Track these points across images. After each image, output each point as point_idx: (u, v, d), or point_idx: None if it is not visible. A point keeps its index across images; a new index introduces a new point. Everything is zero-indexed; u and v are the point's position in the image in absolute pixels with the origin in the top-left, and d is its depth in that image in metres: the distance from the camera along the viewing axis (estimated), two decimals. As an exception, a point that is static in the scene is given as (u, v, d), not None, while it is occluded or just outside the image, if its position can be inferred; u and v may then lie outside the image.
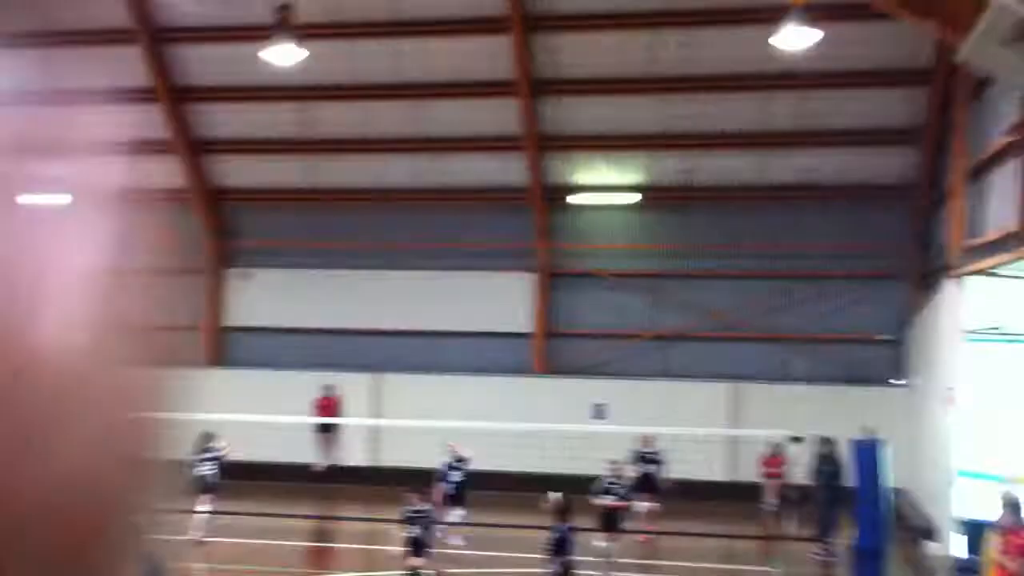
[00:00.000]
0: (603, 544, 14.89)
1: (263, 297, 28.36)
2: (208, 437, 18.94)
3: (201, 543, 18.21)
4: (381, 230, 27.69)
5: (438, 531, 15.34)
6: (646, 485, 18.69)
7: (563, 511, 12.44)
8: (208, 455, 18.69)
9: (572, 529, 12.30)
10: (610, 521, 14.96)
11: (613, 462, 15.33)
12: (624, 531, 15.27)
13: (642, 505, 18.57)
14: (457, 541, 17.89)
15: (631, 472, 18.66)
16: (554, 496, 12.64)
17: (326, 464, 26.31)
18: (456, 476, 17.98)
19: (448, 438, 19.70)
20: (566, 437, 22.08)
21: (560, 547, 12.15)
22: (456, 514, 17.89)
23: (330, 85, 25.70)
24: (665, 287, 26.60)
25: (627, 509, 15.65)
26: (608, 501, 14.90)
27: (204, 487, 18.38)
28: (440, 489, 17.96)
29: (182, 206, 28.04)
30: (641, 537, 18.41)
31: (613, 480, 15.02)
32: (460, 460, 18.09)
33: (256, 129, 27.03)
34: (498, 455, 22.09)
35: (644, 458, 18.80)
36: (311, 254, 28.04)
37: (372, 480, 24.88)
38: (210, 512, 18.29)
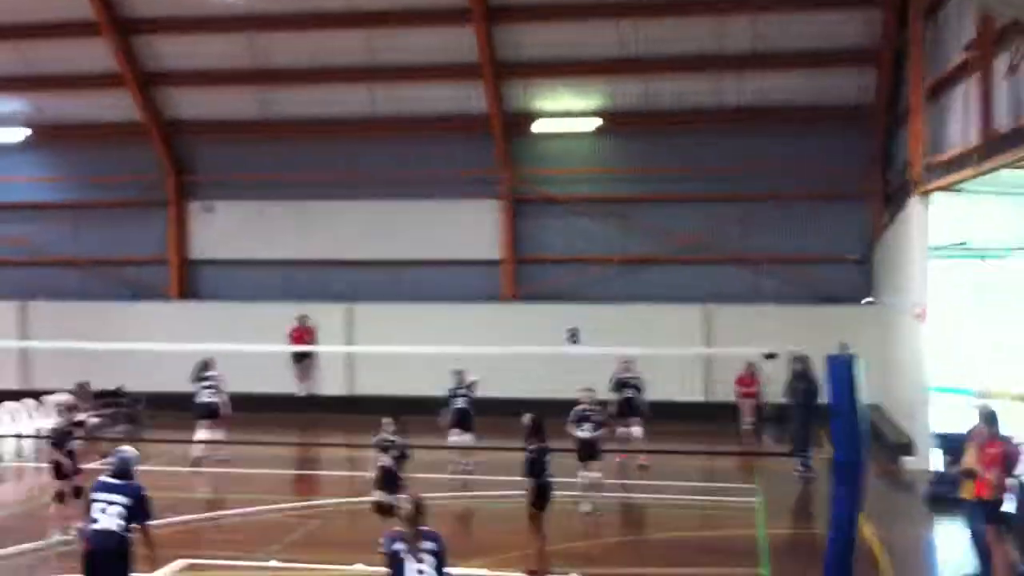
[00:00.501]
0: (586, 474, 14.91)
1: (228, 230, 28.16)
2: (206, 365, 19.34)
3: (198, 464, 18.70)
4: (343, 160, 27.50)
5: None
6: (628, 410, 18.80)
7: (535, 431, 12.49)
8: (207, 382, 19.19)
9: (545, 449, 12.34)
10: (588, 451, 14.90)
11: (587, 389, 15.24)
12: (602, 458, 15.22)
13: (628, 430, 18.75)
14: (465, 466, 17.98)
15: (613, 397, 18.80)
16: (526, 417, 12.66)
17: (304, 394, 26.46)
18: (460, 402, 17.99)
19: (427, 364, 19.73)
20: (540, 360, 22.15)
21: (533, 467, 12.23)
22: (464, 439, 17.96)
23: (280, 14, 25.27)
24: (631, 212, 26.65)
25: (607, 437, 15.59)
26: (585, 432, 14.85)
27: (203, 412, 18.96)
28: (446, 414, 18.01)
29: (139, 140, 27.67)
30: (642, 459, 18.58)
31: (588, 409, 14.96)
32: (467, 386, 18.10)
33: (208, 60, 26.64)
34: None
35: (624, 383, 18.84)
36: (274, 186, 27.82)
37: (348, 409, 24.97)
38: (208, 439, 18.90)
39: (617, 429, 18.59)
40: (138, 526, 9.37)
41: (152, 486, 16.58)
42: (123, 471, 9.53)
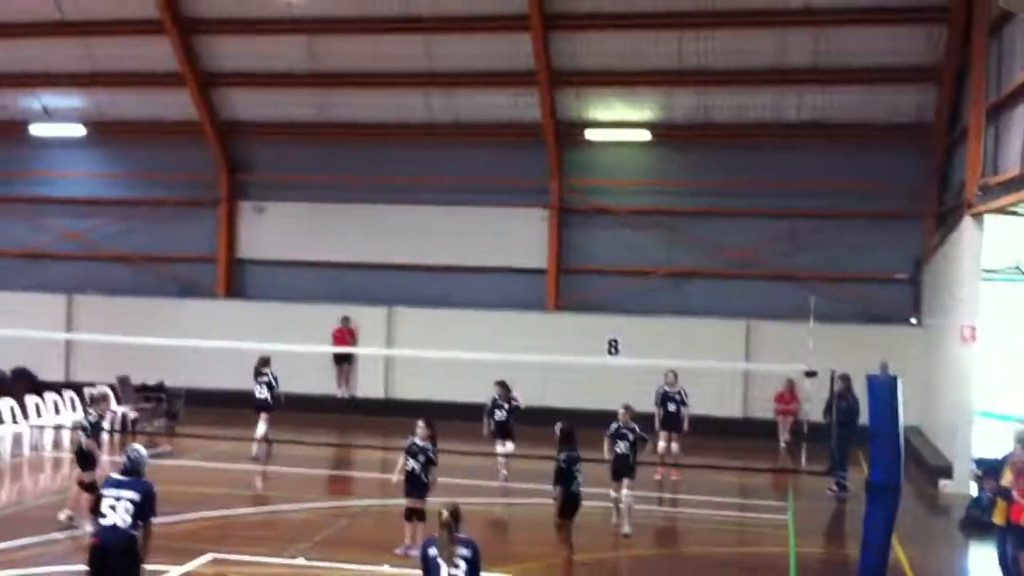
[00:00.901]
0: (614, 493, 14.63)
1: (277, 230, 28.35)
2: (264, 362, 19.87)
3: (256, 460, 19.22)
4: (395, 165, 27.57)
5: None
6: (671, 424, 18.62)
7: (566, 440, 12.38)
8: (261, 378, 19.76)
9: (575, 458, 12.22)
10: (622, 467, 14.52)
11: (626, 407, 14.87)
12: (635, 476, 14.85)
13: (668, 445, 18.55)
14: (503, 473, 17.90)
15: (656, 411, 18.61)
16: (557, 426, 12.59)
17: (345, 396, 26.58)
18: (500, 415, 17.94)
19: (466, 370, 19.71)
20: (580, 372, 22.08)
21: (563, 476, 12.12)
22: (507, 447, 17.93)
23: (339, 18, 25.47)
24: (679, 225, 26.45)
25: (642, 450, 15.21)
26: (620, 448, 14.54)
27: (259, 407, 19.69)
28: (488, 423, 17.98)
29: (195, 140, 28.01)
30: (674, 474, 18.40)
31: (624, 426, 14.64)
32: (509, 399, 18.04)
33: (266, 62, 26.85)
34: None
35: (669, 397, 18.67)
36: (324, 188, 27.96)
37: (385, 412, 25.03)
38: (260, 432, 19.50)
39: (659, 444, 18.41)
40: (142, 523, 9.41)
41: (184, 480, 16.86)
42: (133, 469, 9.59)
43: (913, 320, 24.89)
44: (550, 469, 12.68)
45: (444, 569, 8.23)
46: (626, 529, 14.36)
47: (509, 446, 17.93)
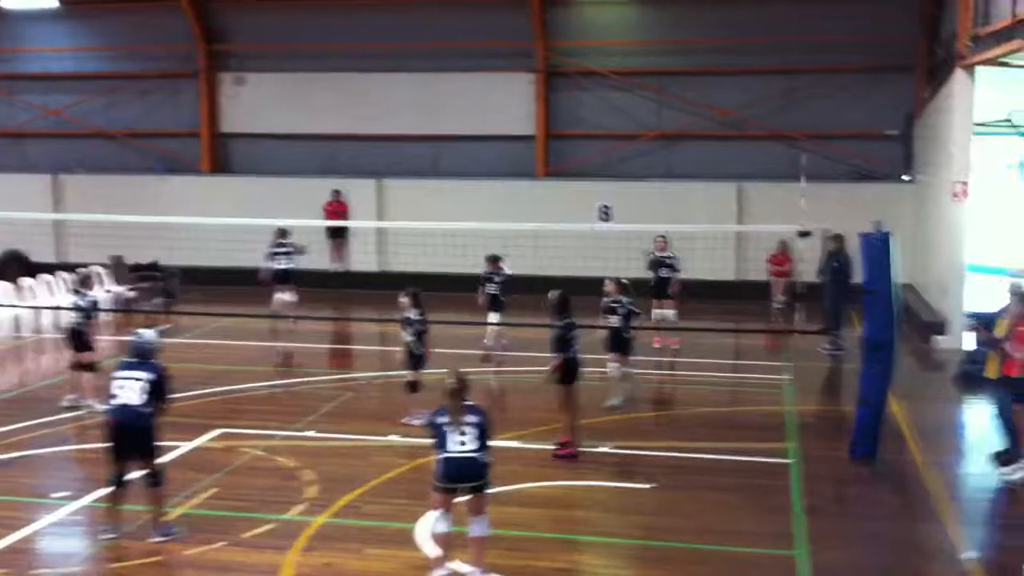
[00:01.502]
0: (615, 366, 14.60)
1: (259, 103, 27.92)
2: (282, 233, 20.36)
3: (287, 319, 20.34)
4: (378, 32, 26.97)
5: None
6: (663, 291, 18.59)
7: (561, 308, 12.39)
8: (280, 249, 20.50)
9: (572, 325, 12.29)
10: (617, 342, 14.46)
11: (614, 279, 14.58)
12: (633, 350, 14.85)
13: (662, 312, 18.60)
14: (496, 344, 18.04)
15: (648, 276, 18.57)
16: (552, 294, 12.56)
17: (339, 269, 26.59)
18: (493, 288, 17.97)
19: (463, 242, 19.70)
20: (572, 238, 22.06)
21: (561, 343, 12.20)
22: (495, 317, 18.06)
23: None
24: (669, 86, 26.13)
25: (632, 328, 15.03)
26: (614, 322, 14.36)
27: (278, 278, 20.47)
28: (481, 294, 18.00)
29: (171, 8, 27.29)
30: (673, 341, 18.52)
31: (614, 300, 14.45)
32: (500, 272, 18.04)
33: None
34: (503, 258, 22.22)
35: (660, 263, 18.54)
36: (306, 57, 27.42)
37: (380, 285, 25.09)
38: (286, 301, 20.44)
39: (652, 311, 18.46)
40: (160, 403, 9.53)
41: (187, 358, 16.98)
42: (144, 352, 9.66)
43: (905, 177, 24.86)
44: (541, 338, 12.79)
45: (454, 436, 8.41)
46: (613, 402, 14.39)
47: (495, 318, 17.98)
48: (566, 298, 12.39)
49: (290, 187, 26.56)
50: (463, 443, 8.40)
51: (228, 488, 10.94)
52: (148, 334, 9.87)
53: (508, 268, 18.18)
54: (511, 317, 17.76)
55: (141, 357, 9.65)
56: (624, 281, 14.69)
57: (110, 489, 9.50)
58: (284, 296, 20.47)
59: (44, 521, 9.99)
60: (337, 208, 26.09)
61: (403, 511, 10.18)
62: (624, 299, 14.40)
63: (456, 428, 8.42)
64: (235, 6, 27.63)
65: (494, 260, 18.07)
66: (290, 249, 20.58)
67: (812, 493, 10.96)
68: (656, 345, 18.32)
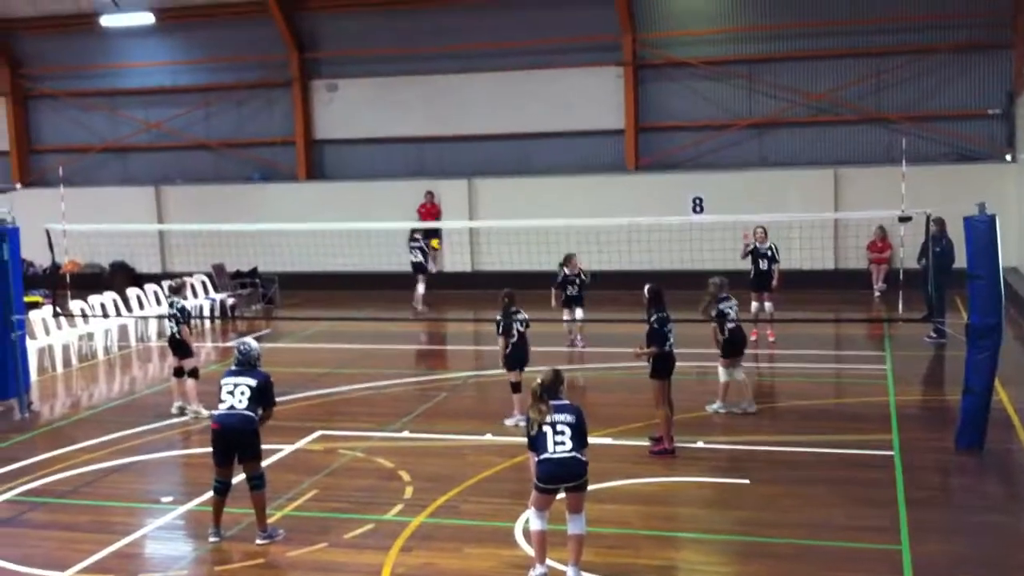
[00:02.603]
0: (733, 371, 13.79)
1: (351, 108, 28.33)
2: (413, 232, 23.21)
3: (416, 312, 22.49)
4: (464, 33, 27.18)
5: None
6: (762, 283, 18.27)
7: (654, 301, 12.21)
8: (413, 244, 23.16)
9: (666, 319, 12.11)
10: (735, 345, 13.68)
11: (715, 279, 13.75)
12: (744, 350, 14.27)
13: (761, 304, 18.32)
14: (578, 341, 18.27)
15: (747, 268, 18.27)
16: (646, 288, 12.40)
17: (433, 271, 26.81)
18: (573, 290, 18.06)
19: (552, 243, 19.71)
20: (664, 232, 21.86)
21: (655, 337, 12.04)
22: (576, 314, 18.13)
23: None
24: (759, 72, 25.79)
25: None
26: (730, 326, 13.60)
27: (415, 269, 23.18)
28: (559, 294, 18.15)
29: (263, 19, 27.82)
30: (770, 334, 18.21)
31: (728, 302, 13.54)
32: (577, 272, 18.12)
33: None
34: (595, 254, 22.13)
35: (758, 255, 18.21)
36: (395, 60, 27.73)
37: (471, 284, 25.27)
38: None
39: (751, 305, 18.18)
40: (264, 409, 9.79)
41: (286, 362, 17.31)
42: (247, 361, 9.89)
43: (1008, 157, 24.10)
44: (632, 332, 12.67)
45: (550, 436, 8.40)
46: (744, 406, 13.73)
47: (579, 312, 18.06)
48: (659, 290, 12.26)
49: (383, 191, 26.89)
50: (561, 442, 8.38)
51: (328, 490, 11.12)
52: (252, 343, 10.09)
53: (583, 266, 18.22)
54: (604, 313, 17.72)
55: (246, 364, 9.88)
56: (722, 279, 14.12)
57: (216, 493, 9.73)
58: (419, 288, 22.81)
59: (152, 525, 10.27)
60: (431, 210, 26.33)
61: (501, 510, 10.22)
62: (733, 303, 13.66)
63: (552, 427, 8.41)
64: (324, 14, 28.07)
65: (570, 259, 18.04)
66: (422, 244, 23.06)
67: (916, 485, 10.70)
68: (752, 337, 18.05)
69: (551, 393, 8.54)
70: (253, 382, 9.70)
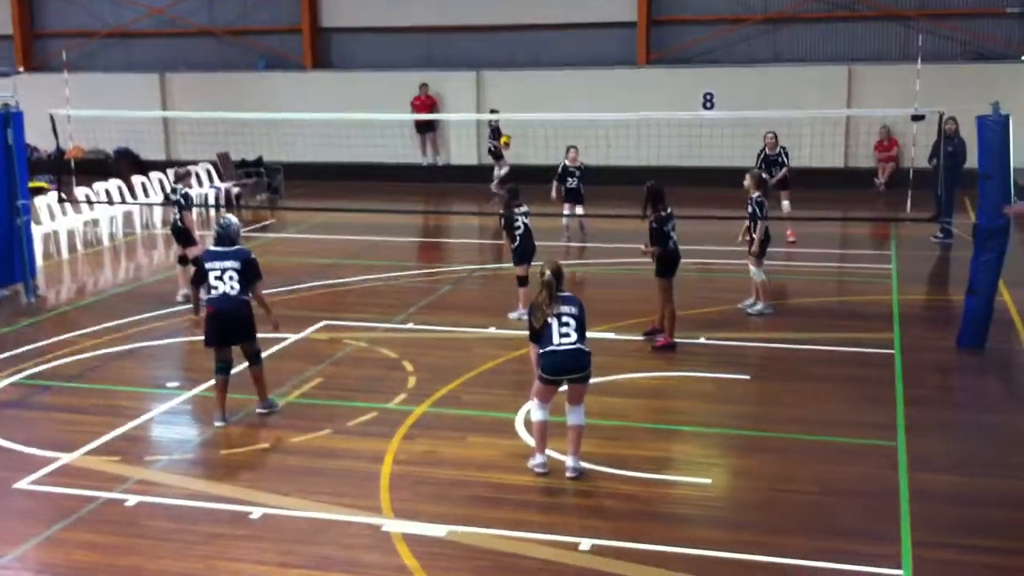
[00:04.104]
0: (756, 270, 13.50)
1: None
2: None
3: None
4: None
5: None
6: (777, 186, 17.89)
7: (654, 199, 12.08)
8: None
9: (667, 216, 12.01)
10: (765, 245, 13.43)
11: (756, 176, 13.33)
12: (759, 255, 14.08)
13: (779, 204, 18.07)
14: (578, 234, 18.26)
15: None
16: (647, 184, 12.24)
17: (427, 163, 26.66)
18: (573, 182, 17.99)
19: (561, 138, 19.54)
20: (674, 127, 21.65)
21: (657, 236, 11.98)
22: (576, 210, 18.11)
23: None
24: (775, -35, 25.20)
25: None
26: (764, 227, 13.22)
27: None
28: (559, 188, 18.07)
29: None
30: (790, 233, 17.98)
31: (758, 200, 13.12)
32: (578, 166, 18.01)
33: None
34: (603, 149, 21.98)
35: (770, 161, 17.87)
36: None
37: (477, 178, 25.12)
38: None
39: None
40: (252, 286, 9.89)
41: (291, 252, 17.33)
42: (228, 238, 9.88)
43: (1024, 56, 23.71)
44: (641, 230, 12.61)
45: (555, 328, 8.42)
46: (759, 307, 13.55)
47: (579, 209, 18.06)
48: (660, 189, 12.13)
49: (389, 81, 26.53)
50: (567, 334, 8.40)
51: (332, 378, 11.22)
52: (232, 218, 10.10)
53: (581, 159, 18.10)
54: (610, 208, 17.64)
55: (227, 241, 9.88)
56: (763, 175, 13.90)
57: (219, 372, 9.87)
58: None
59: (157, 410, 10.40)
60: (425, 102, 25.96)
61: (503, 401, 10.32)
62: (757, 196, 13.24)
63: (557, 319, 8.42)
64: None
65: (573, 152, 17.95)
66: (490, 146, 23.51)
67: (916, 384, 10.77)
68: (791, 239, 17.86)
69: (558, 285, 8.55)
70: (238, 264, 9.75)
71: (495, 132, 23.61)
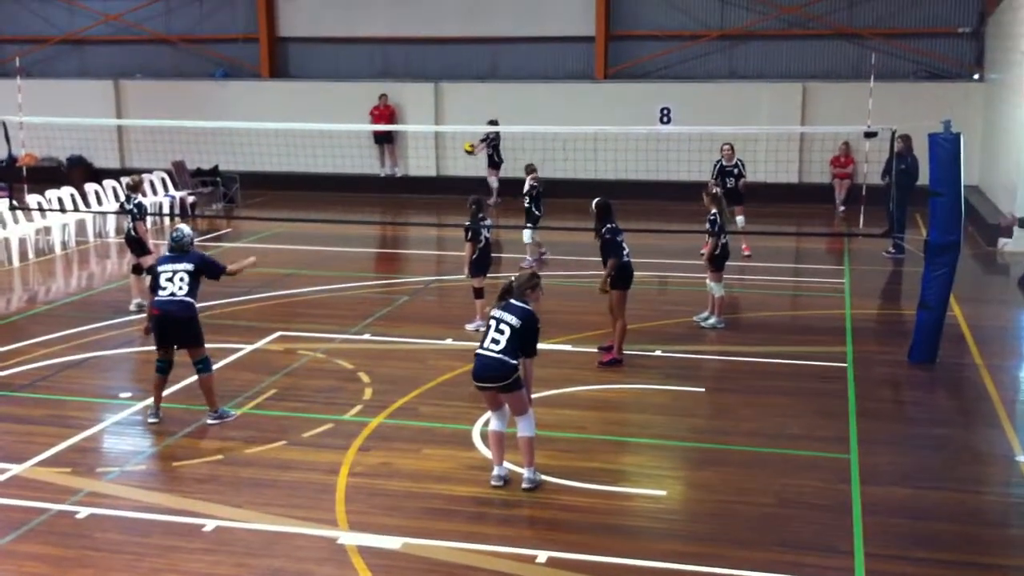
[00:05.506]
0: (714, 285, 13.59)
1: (316, 6, 27.65)
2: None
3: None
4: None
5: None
6: (732, 198, 18.01)
7: (602, 215, 12.09)
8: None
9: (617, 230, 12.02)
10: (723, 259, 13.56)
11: (711, 194, 13.58)
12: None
13: (733, 219, 18.09)
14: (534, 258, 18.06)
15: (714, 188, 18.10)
16: (594, 202, 12.24)
17: (385, 174, 26.56)
18: (526, 200, 17.69)
19: (519, 148, 19.53)
20: (631, 141, 21.80)
21: (609, 248, 11.98)
22: (524, 236, 17.92)
23: None
24: (731, -18, 25.46)
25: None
26: (717, 240, 13.32)
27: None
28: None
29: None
30: (745, 248, 18.05)
31: (711, 215, 13.34)
32: (534, 185, 17.69)
33: None
34: (560, 163, 22.08)
35: (725, 172, 17.95)
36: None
37: (436, 190, 25.11)
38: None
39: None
40: (215, 279, 10.26)
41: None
42: (182, 246, 9.98)
43: (976, 76, 24.09)
44: (593, 242, 12.58)
45: (489, 331, 8.44)
46: (711, 321, 13.61)
47: (526, 235, 17.48)
48: (607, 204, 12.16)
49: (347, 91, 26.45)
50: (496, 341, 8.39)
51: (287, 389, 11.14)
52: (184, 228, 10.17)
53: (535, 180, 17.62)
54: (568, 221, 17.66)
55: (180, 250, 9.96)
56: (717, 192, 14.04)
57: (159, 372, 10.02)
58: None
59: (109, 420, 10.27)
60: (384, 112, 25.90)
61: (460, 413, 10.30)
62: (715, 212, 13.41)
63: (496, 324, 8.44)
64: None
65: (531, 170, 17.36)
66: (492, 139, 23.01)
67: (868, 397, 10.89)
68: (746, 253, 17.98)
69: (515, 293, 8.55)
70: (190, 266, 9.91)
71: (493, 143, 23.55)
